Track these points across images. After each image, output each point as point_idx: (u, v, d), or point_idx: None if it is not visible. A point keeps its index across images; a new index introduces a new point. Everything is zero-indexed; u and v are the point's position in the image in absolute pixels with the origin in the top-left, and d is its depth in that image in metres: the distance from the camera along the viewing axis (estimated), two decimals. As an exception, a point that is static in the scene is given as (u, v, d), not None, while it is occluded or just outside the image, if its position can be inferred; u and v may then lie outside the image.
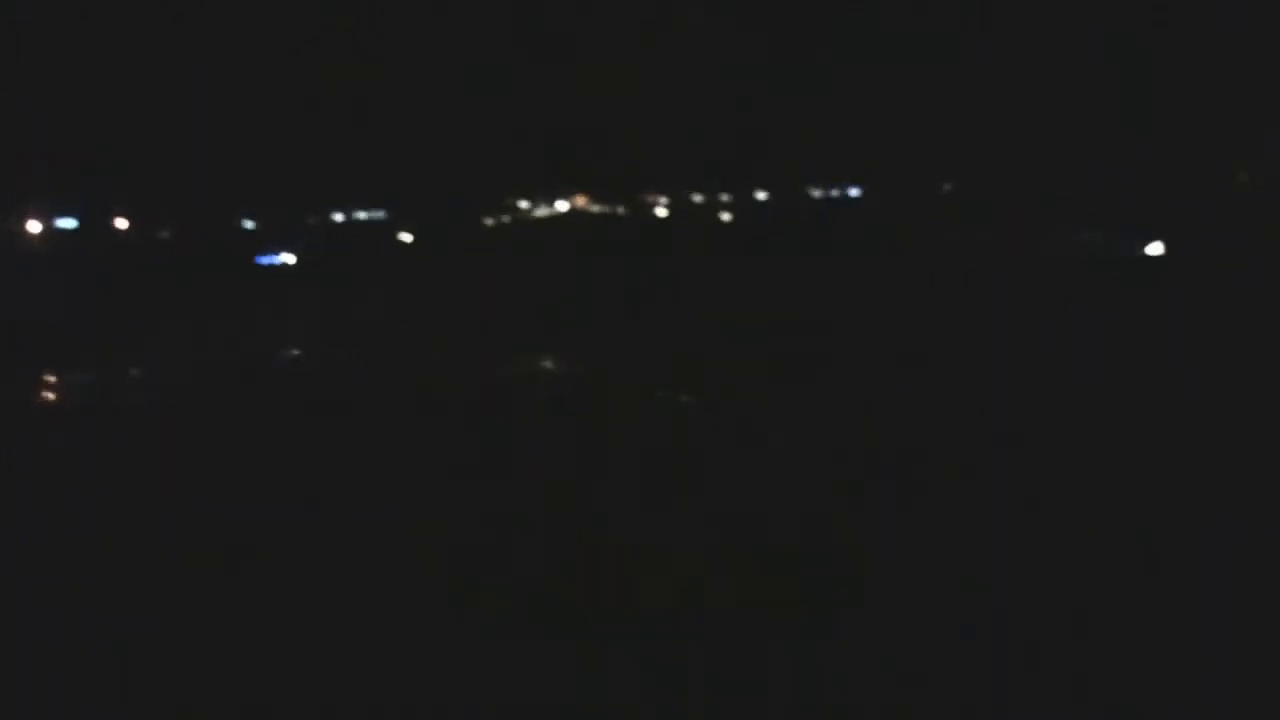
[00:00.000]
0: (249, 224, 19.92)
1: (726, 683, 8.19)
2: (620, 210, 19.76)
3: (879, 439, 12.95)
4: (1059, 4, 18.07)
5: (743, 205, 19.30)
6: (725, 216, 19.42)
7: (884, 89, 18.03)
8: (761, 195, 19.29)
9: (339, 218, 20.10)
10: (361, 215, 20.14)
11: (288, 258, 19.64)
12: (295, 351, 17.66)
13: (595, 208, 20.00)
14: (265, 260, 19.59)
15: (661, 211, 19.59)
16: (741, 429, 13.86)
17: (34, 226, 19.65)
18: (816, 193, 19.14)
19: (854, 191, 19.03)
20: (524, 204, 20.24)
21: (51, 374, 16.46)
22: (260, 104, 18.49)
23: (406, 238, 20.05)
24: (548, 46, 18.19)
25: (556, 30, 18.14)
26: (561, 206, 20.22)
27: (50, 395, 16.21)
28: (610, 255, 18.87)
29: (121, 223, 20.10)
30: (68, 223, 20.11)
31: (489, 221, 20.25)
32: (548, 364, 16.62)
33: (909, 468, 11.93)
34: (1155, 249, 18.08)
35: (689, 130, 18.47)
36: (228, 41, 18.42)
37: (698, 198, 19.45)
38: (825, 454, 12.63)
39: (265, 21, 18.33)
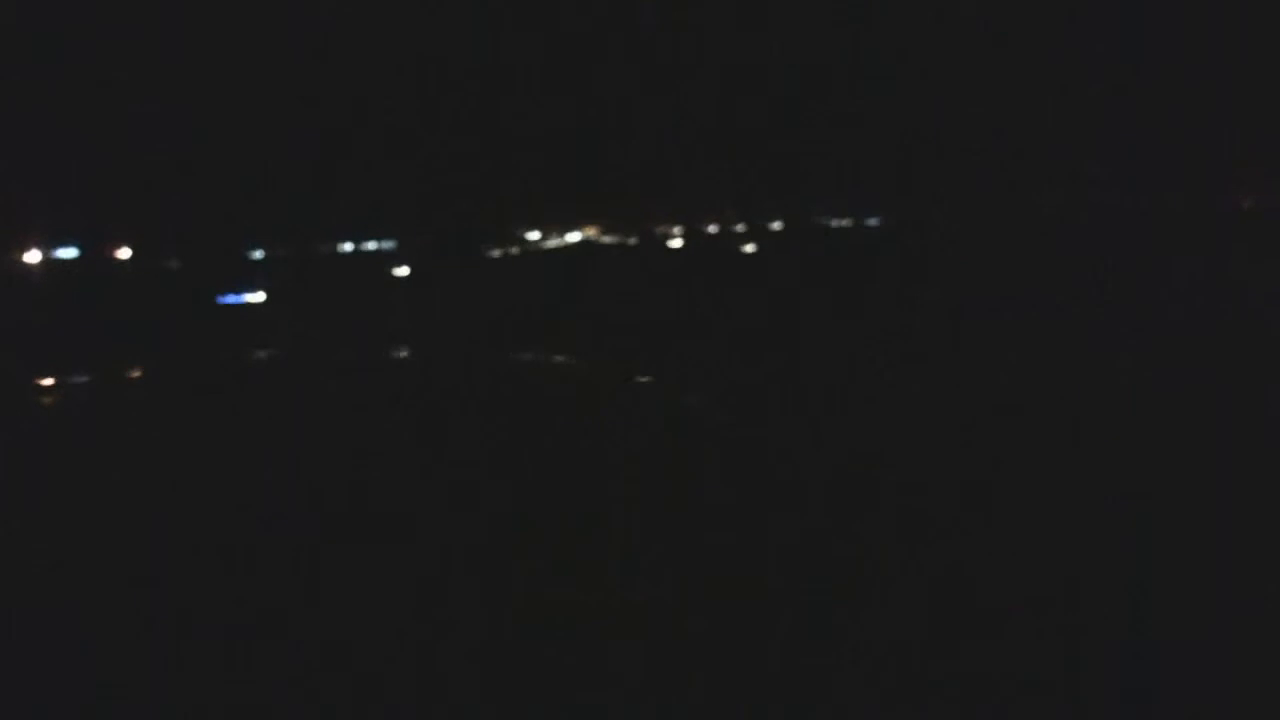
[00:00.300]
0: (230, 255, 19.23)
1: (726, 682, 7.90)
2: (632, 241, 19.34)
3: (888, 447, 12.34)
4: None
5: (761, 234, 18.82)
6: (748, 248, 18.94)
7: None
8: (777, 225, 18.82)
9: (325, 250, 19.51)
10: (351, 246, 19.59)
11: (255, 296, 18.69)
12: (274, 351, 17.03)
13: (607, 238, 19.59)
14: (230, 300, 18.69)
15: (676, 242, 19.17)
16: (743, 429, 13.30)
17: (33, 255, 19.49)
18: (847, 221, 18.60)
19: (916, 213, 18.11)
20: (534, 235, 19.79)
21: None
22: (247, 123, 18.09)
23: (403, 270, 19.45)
24: (558, 67, 17.82)
25: (566, 48, 17.77)
26: (572, 238, 19.79)
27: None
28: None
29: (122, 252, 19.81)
30: (68, 251, 19.90)
31: (496, 253, 19.79)
32: (547, 361, 16.17)
33: (913, 472, 11.32)
34: None
35: (705, 158, 18.07)
36: (223, 66, 18.17)
37: (713, 228, 19.01)
38: (827, 454, 12.03)
39: (263, 42, 18.09)
